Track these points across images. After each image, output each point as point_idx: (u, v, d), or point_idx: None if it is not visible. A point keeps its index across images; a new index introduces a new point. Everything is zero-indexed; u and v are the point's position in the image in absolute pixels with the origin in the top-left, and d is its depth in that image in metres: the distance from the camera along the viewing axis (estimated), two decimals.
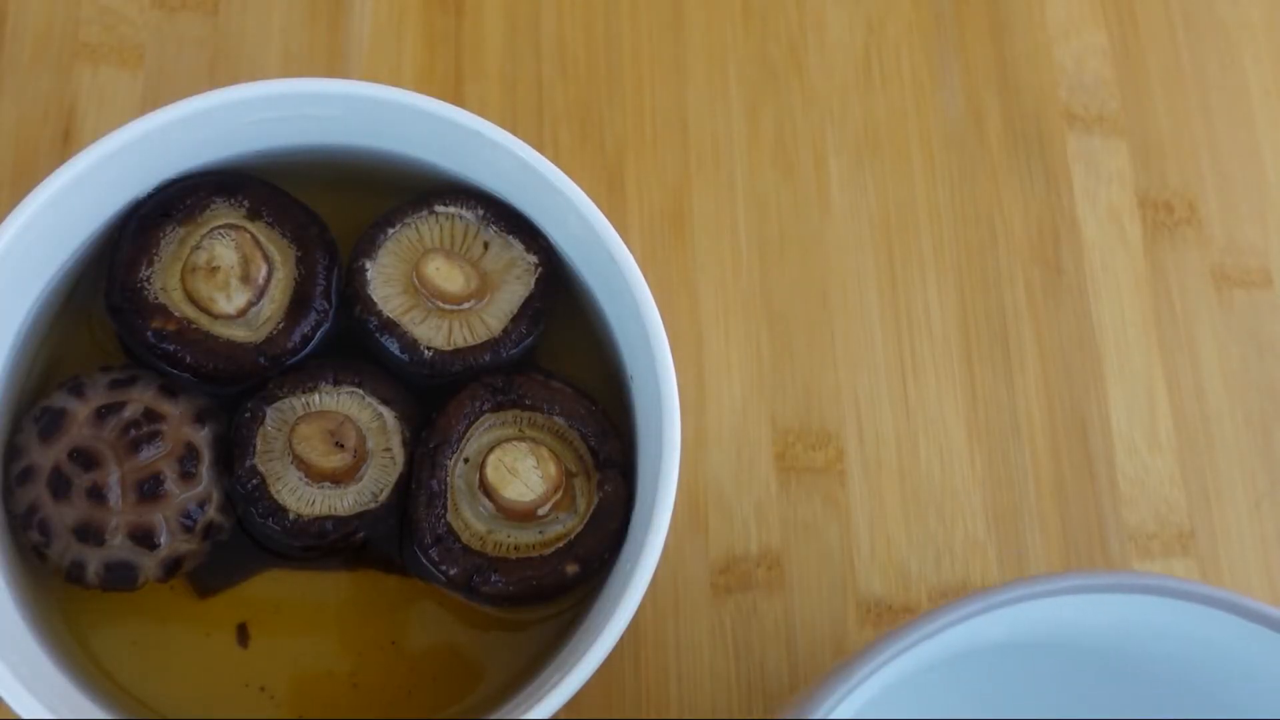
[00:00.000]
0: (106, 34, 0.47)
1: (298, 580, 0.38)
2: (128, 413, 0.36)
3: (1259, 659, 0.33)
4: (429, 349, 0.39)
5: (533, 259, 0.40)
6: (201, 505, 0.37)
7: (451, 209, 0.40)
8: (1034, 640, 0.35)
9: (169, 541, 0.36)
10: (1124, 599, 0.33)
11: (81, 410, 0.36)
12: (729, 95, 0.48)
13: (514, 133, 0.46)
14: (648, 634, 0.42)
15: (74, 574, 0.36)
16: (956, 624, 0.31)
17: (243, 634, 0.37)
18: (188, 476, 0.36)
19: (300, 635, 0.38)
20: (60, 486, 0.35)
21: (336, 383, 0.38)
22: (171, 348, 0.37)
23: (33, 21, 0.46)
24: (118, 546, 0.35)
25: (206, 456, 0.37)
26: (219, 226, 0.38)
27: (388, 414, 0.38)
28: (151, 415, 0.36)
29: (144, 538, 0.36)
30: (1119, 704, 0.39)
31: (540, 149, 0.47)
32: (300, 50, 0.47)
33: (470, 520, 0.38)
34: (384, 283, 0.39)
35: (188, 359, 0.37)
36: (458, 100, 0.47)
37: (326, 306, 0.39)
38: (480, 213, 0.40)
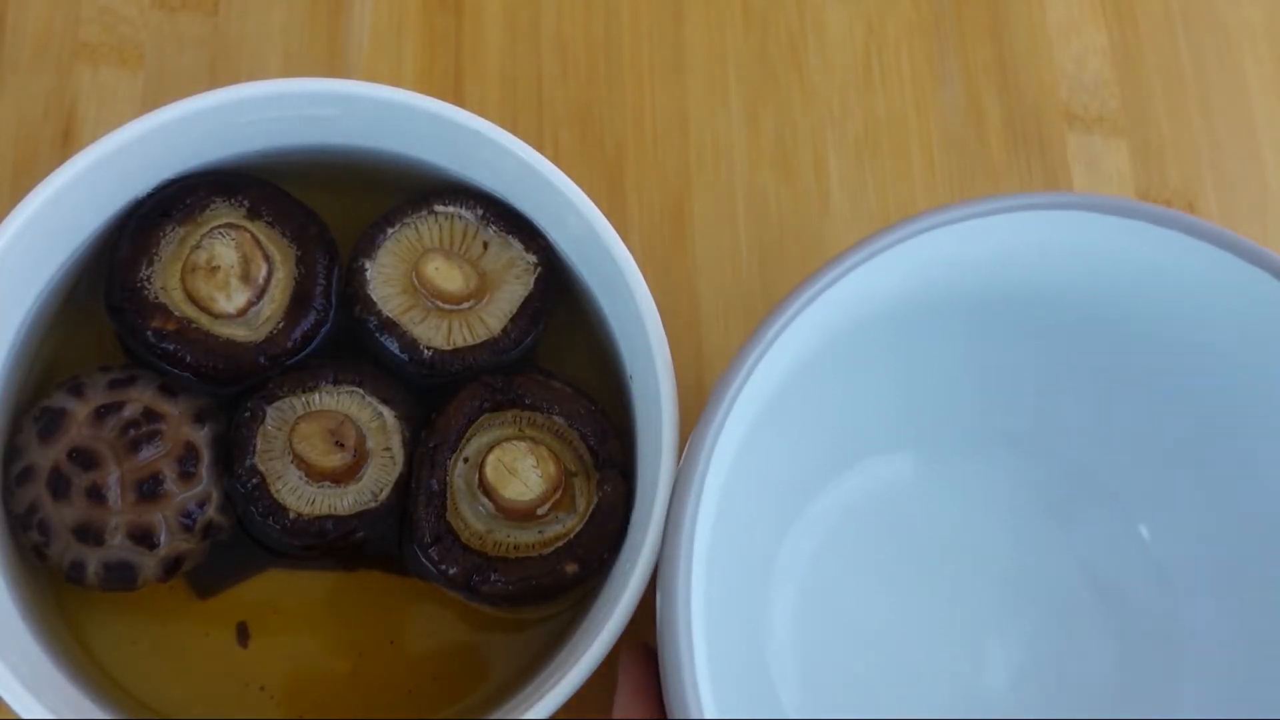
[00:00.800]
0: (106, 34, 0.47)
1: (297, 580, 0.38)
2: (127, 412, 0.36)
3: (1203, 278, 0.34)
4: (428, 348, 0.39)
5: (532, 258, 0.40)
6: (201, 505, 0.37)
7: (451, 209, 0.40)
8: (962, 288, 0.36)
9: (169, 541, 0.36)
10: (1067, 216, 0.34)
11: (81, 410, 0.36)
12: (729, 95, 0.48)
13: (514, 133, 0.46)
14: (648, 634, 0.42)
15: (74, 574, 0.36)
16: (906, 239, 0.32)
17: (242, 633, 0.37)
18: (187, 476, 0.36)
19: (300, 635, 0.38)
20: (60, 486, 0.35)
21: (337, 382, 0.38)
22: (171, 347, 0.37)
23: (33, 21, 0.46)
24: (117, 546, 0.35)
25: (206, 456, 0.37)
26: (219, 226, 0.38)
27: (387, 413, 0.38)
28: (151, 415, 0.36)
29: (144, 537, 0.36)
30: (1067, 351, 0.39)
31: (540, 149, 0.46)
32: (300, 50, 0.47)
33: (469, 520, 0.38)
34: (383, 282, 0.39)
35: (188, 358, 0.37)
36: (458, 100, 0.47)
37: (326, 306, 0.39)
38: (480, 212, 0.40)
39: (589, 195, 0.46)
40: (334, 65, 0.47)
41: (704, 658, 0.31)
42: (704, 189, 0.47)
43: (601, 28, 0.49)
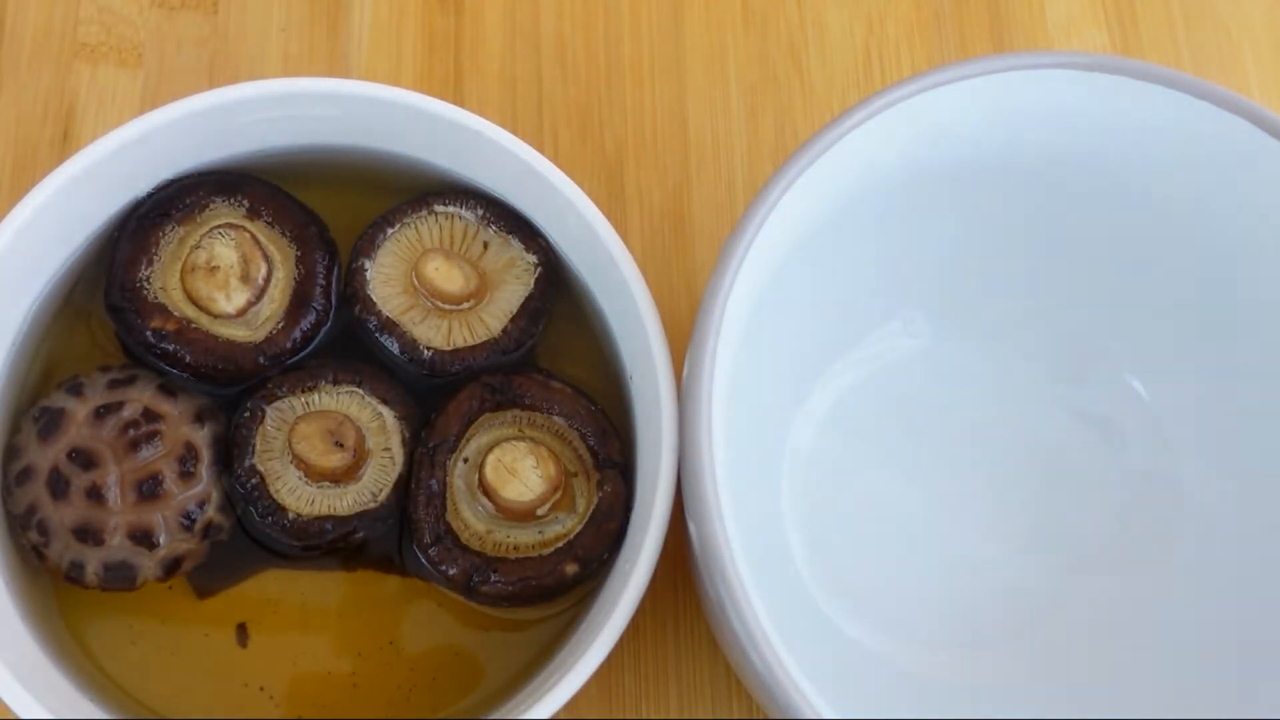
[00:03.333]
0: (106, 34, 0.47)
1: (297, 580, 0.38)
2: (127, 412, 0.36)
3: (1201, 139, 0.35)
4: (428, 349, 0.39)
5: (532, 258, 0.40)
6: (201, 505, 0.36)
7: (451, 209, 0.40)
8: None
9: (168, 541, 0.36)
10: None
11: (80, 410, 0.36)
12: (729, 95, 0.48)
13: (514, 133, 0.46)
14: (647, 634, 0.42)
15: (73, 574, 0.36)
16: (904, 99, 0.33)
17: (242, 633, 0.37)
18: (187, 476, 0.36)
19: (299, 635, 0.38)
20: (59, 486, 0.35)
21: (336, 382, 0.38)
22: (171, 347, 0.37)
23: (32, 21, 0.46)
24: (117, 546, 0.35)
25: (206, 456, 0.37)
26: (219, 226, 0.38)
27: (387, 414, 0.38)
28: (150, 415, 0.36)
29: (143, 538, 0.36)
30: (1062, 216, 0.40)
31: (540, 149, 0.46)
32: (300, 50, 0.47)
33: (469, 520, 0.38)
34: (384, 282, 0.39)
35: (187, 358, 0.37)
36: (458, 100, 0.47)
37: (326, 305, 0.39)
38: (480, 212, 0.40)
39: (589, 195, 0.46)
40: (334, 65, 0.47)
41: (732, 522, 0.32)
42: (704, 189, 0.47)
43: (601, 28, 0.49)
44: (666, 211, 0.47)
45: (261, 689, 0.37)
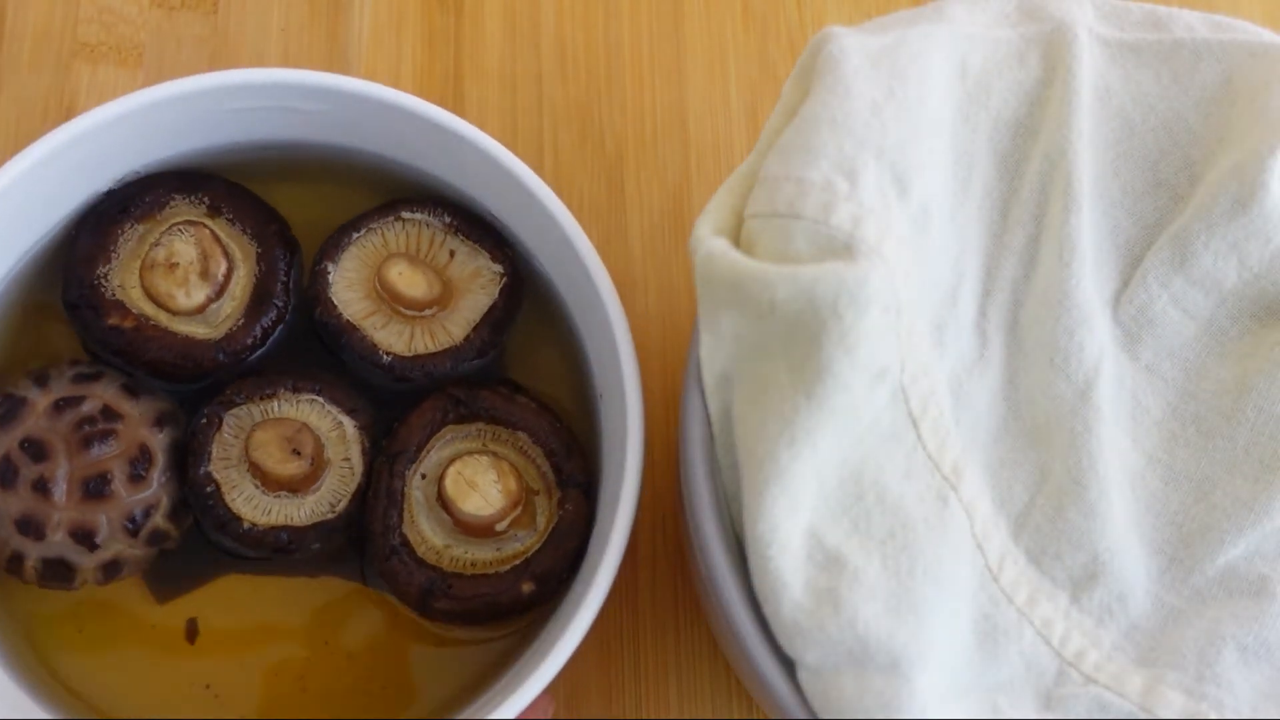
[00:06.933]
0: (106, 33, 0.47)
1: (257, 584, 0.38)
2: (85, 408, 0.36)
3: None
4: (388, 354, 0.38)
5: (498, 268, 0.40)
6: (148, 510, 0.36)
7: (418, 215, 0.40)
8: None
9: (109, 544, 0.35)
10: None
11: (41, 401, 0.36)
12: (729, 95, 0.48)
13: (514, 132, 0.46)
14: (647, 634, 0.42)
15: (12, 566, 0.35)
16: None
17: (191, 630, 0.37)
18: (137, 479, 0.36)
19: (249, 637, 0.37)
20: (8, 475, 0.35)
21: (296, 390, 0.38)
22: (128, 344, 0.37)
23: (32, 20, 0.46)
24: (57, 543, 0.35)
25: (160, 461, 0.36)
26: (179, 223, 0.38)
27: (348, 423, 0.38)
28: (109, 413, 0.36)
29: (84, 537, 0.35)
30: None
31: (540, 149, 0.46)
32: (300, 49, 0.47)
33: (427, 534, 0.37)
34: (346, 286, 0.39)
35: (145, 355, 0.37)
36: (458, 100, 0.47)
37: (286, 301, 0.39)
38: (447, 220, 0.40)
39: (588, 195, 0.46)
40: (333, 64, 0.47)
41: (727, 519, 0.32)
42: (704, 189, 0.47)
43: (601, 27, 0.48)
44: (666, 211, 0.47)
45: (207, 687, 0.36)
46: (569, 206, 0.37)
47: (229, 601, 0.37)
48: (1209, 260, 0.33)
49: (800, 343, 0.29)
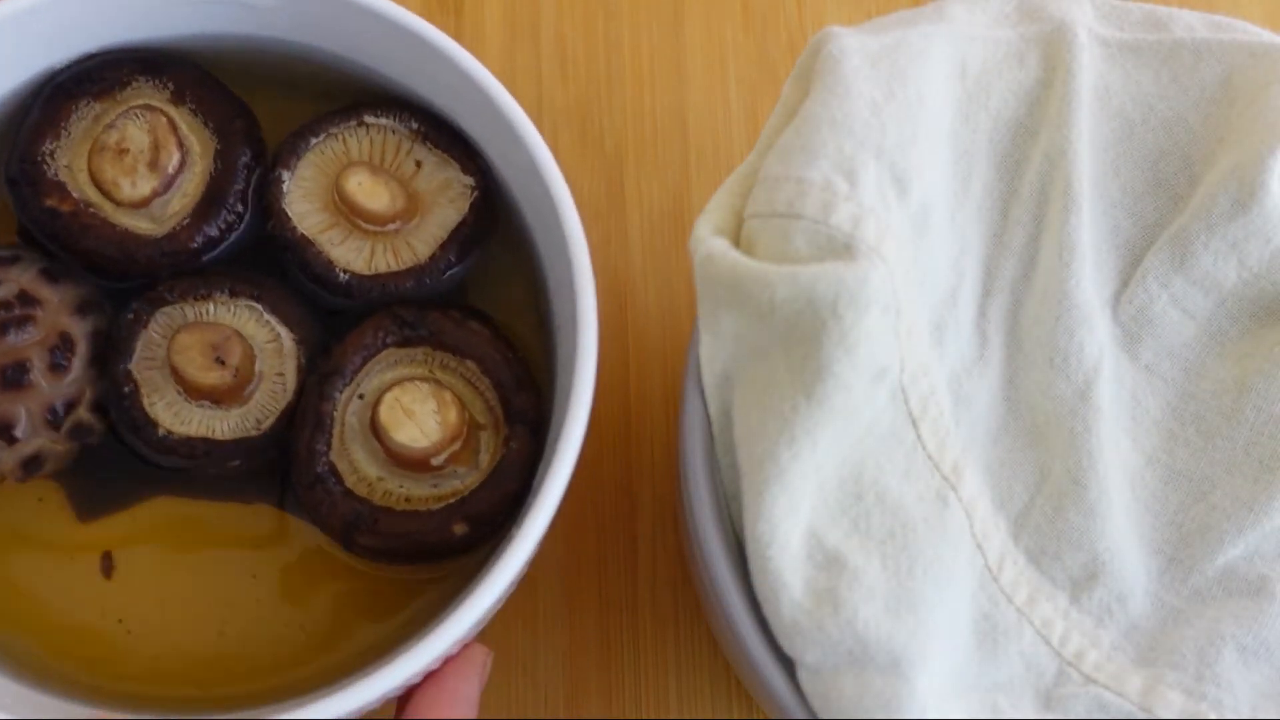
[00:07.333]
0: None
1: (186, 510, 0.35)
2: (0, 292, 0.34)
3: None
4: (345, 272, 0.35)
5: (469, 180, 0.37)
6: (70, 402, 0.34)
7: (383, 120, 0.37)
8: None
9: (30, 436, 0.33)
10: None
11: None
12: (729, 95, 0.48)
13: None
14: (647, 634, 0.42)
15: None
16: None
17: (107, 562, 0.35)
18: (58, 369, 0.33)
19: (170, 571, 0.35)
20: None
21: (233, 294, 0.35)
22: (63, 229, 0.35)
23: None
24: None
25: (82, 349, 0.34)
26: (137, 106, 0.36)
27: (286, 336, 0.35)
28: (26, 298, 0.34)
29: (3, 430, 0.33)
30: None
31: None
32: None
33: (360, 463, 0.34)
34: (302, 197, 0.36)
35: (79, 244, 0.35)
36: None
37: (242, 210, 0.36)
38: (414, 126, 0.37)
39: (588, 195, 0.46)
40: None
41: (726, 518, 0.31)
42: (704, 189, 0.47)
43: (601, 27, 0.48)
44: (666, 211, 0.47)
45: (120, 621, 0.34)
46: None
47: (153, 528, 0.35)
48: (1209, 260, 0.33)
49: (800, 343, 0.29)
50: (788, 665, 0.31)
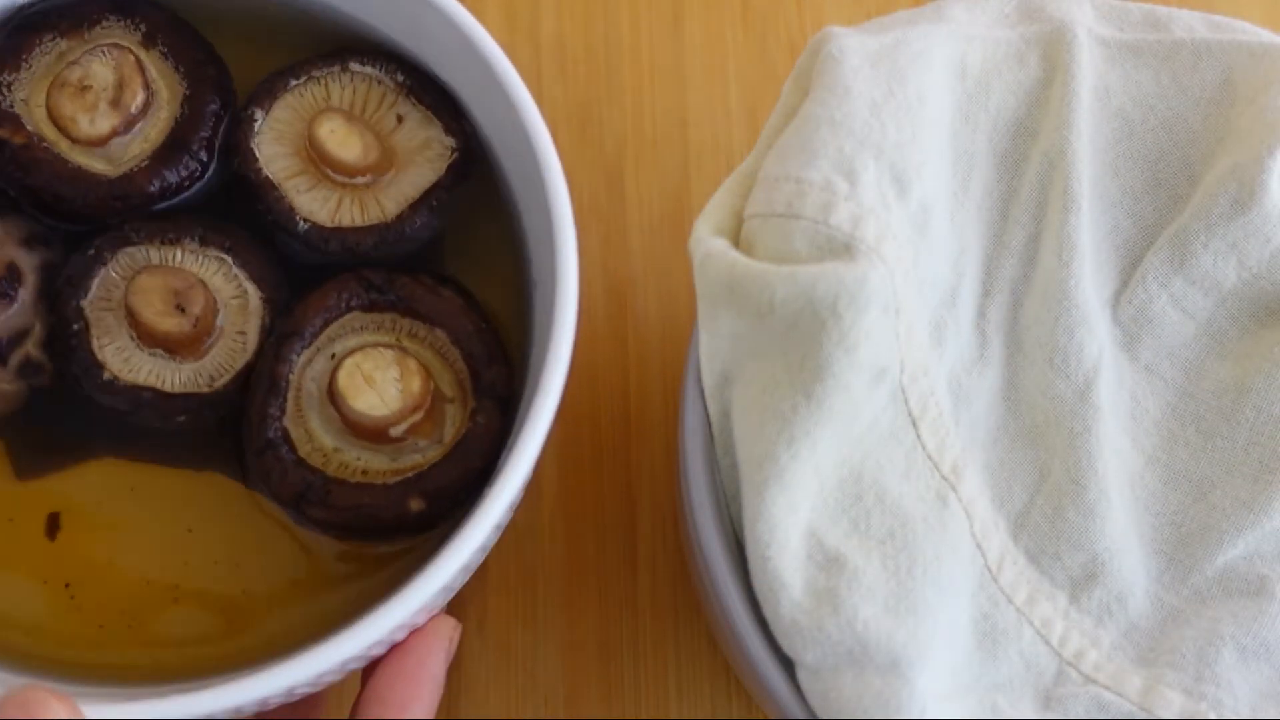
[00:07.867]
0: None
1: (133, 473, 0.33)
2: None
3: None
4: (306, 220, 0.34)
5: (450, 141, 0.35)
6: (19, 336, 0.32)
7: (369, 69, 0.35)
8: None
9: None
10: None
11: None
12: (729, 95, 0.48)
13: None
14: (647, 633, 0.42)
15: None
16: None
17: (52, 525, 0.33)
18: (4, 298, 0.32)
19: (120, 536, 0.33)
20: None
21: (203, 243, 0.34)
22: (12, 160, 0.34)
23: None
24: None
25: (31, 282, 0.32)
26: (104, 45, 0.34)
27: (253, 293, 0.34)
28: None
29: None
30: None
31: None
32: None
33: (316, 431, 0.33)
34: (274, 139, 0.35)
35: (29, 178, 0.33)
36: None
37: (206, 158, 0.35)
38: (400, 79, 0.36)
39: (588, 195, 0.46)
40: None
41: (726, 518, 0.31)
42: (704, 189, 0.47)
43: (601, 27, 0.48)
44: (666, 211, 0.47)
45: (66, 586, 0.32)
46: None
47: (100, 491, 0.33)
48: (1208, 260, 0.33)
49: (799, 343, 0.29)
50: (787, 665, 0.31)
